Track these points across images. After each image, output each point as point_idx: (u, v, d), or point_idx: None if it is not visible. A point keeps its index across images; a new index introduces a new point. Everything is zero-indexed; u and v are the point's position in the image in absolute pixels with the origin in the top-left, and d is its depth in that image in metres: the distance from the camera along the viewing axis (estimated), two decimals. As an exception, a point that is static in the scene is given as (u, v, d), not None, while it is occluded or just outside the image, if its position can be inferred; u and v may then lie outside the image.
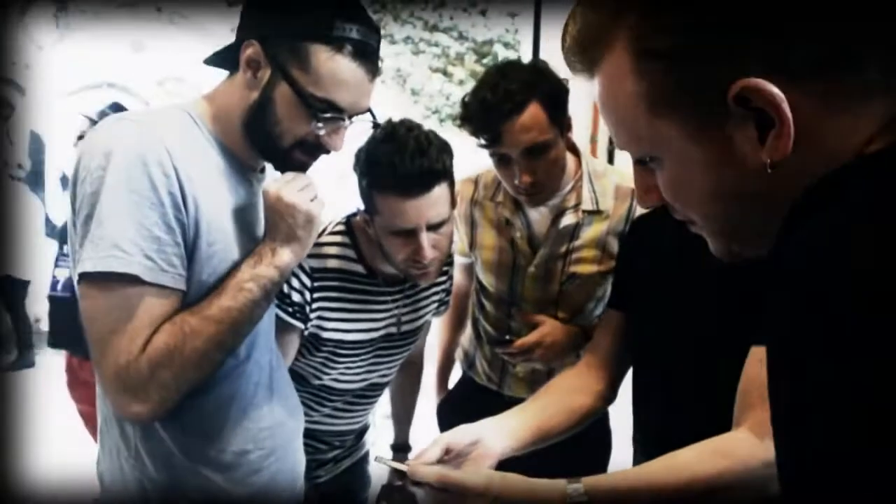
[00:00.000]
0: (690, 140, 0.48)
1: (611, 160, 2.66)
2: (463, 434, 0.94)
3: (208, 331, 0.88)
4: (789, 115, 0.43)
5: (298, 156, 0.97)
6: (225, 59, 0.98)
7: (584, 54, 0.53)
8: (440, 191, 1.16)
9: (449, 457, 0.92)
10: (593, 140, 2.78)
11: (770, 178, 0.46)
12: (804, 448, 0.38)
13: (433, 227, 1.18)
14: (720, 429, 0.86)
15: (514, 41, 4.69)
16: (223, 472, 1.00)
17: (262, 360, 1.06)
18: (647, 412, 1.09)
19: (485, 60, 5.01)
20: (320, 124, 0.93)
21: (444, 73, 5.36)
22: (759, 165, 0.46)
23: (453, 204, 1.22)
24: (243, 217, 0.99)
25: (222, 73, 1.01)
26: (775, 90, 0.43)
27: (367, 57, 0.93)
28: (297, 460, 1.15)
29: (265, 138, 0.95)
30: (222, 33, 4.47)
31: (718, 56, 0.45)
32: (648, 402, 1.08)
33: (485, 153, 1.34)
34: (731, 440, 0.84)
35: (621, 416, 1.17)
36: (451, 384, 1.78)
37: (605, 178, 1.42)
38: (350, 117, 0.96)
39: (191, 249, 0.90)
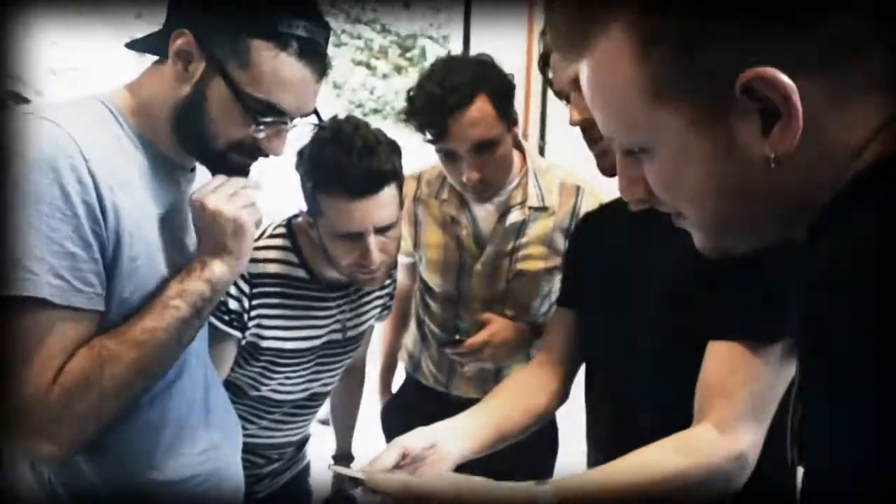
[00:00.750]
0: (690, 130, 0.46)
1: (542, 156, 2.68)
2: (419, 437, 0.91)
3: (129, 355, 0.79)
4: (799, 107, 0.41)
5: (235, 158, 0.88)
6: (151, 44, 0.88)
7: (574, 35, 0.50)
8: (389, 192, 1.12)
9: (405, 462, 0.88)
10: (524, 135, 2.79)
11: (770, 173, 0.44)
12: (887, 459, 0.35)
13: (381, 231, 1.13)
14: (676, 426, 0.86)
15: (439, 35, 4.67)
16: None
17: (197, 376, 0.97)
18: (601, 411, 1.09)
19: (409, 54, 4.98)
20: (260, 127, 0.85)
21: (368, 66, 5.27)
22: (761, 159, 0.44)
23: (401, 205, 1.18)
24: (171, 225, 0.89)
25: (137, 63, 0.91)
26: (787, 80, 0.41)
27: (315, 56, 0.85)
28: (236, 482, 1.07)
29: (196, 138, 0.86)
30: (133, 22, 4.19)
31: (729, 43, 0.42)
32: (602, 401, 1.08)
33: (425, 149, 1.30)
34: (694, 436, 0.84)
35: (566, 413, 1.16)
36: (395, 387, 1.74)
37: (550, 174, 1.41)
38: (293, 120, 0.88)
39: (110, 265, 0.80)
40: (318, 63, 0.86)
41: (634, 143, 0.51)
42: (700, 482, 0.82)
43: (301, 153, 1.14)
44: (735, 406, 0.83)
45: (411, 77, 4.82)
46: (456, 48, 2.66)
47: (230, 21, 0.82)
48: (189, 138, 0.87)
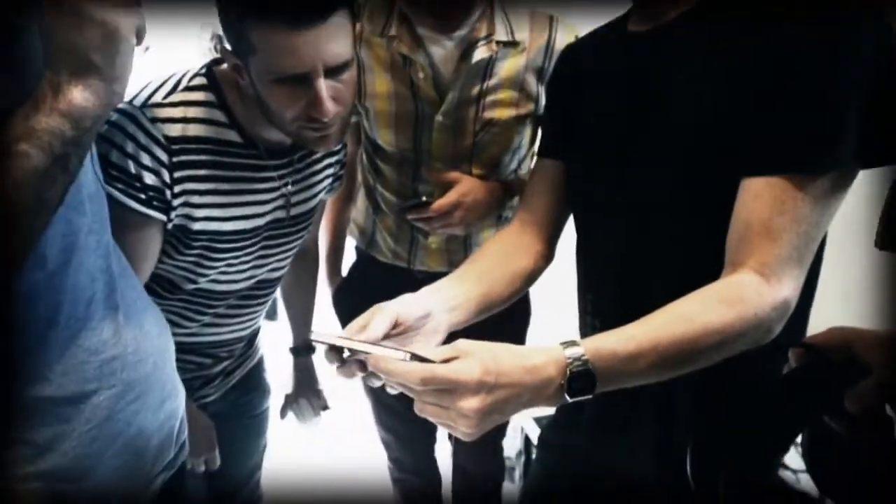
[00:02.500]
0: None
1: None
2: (413, 305, 0.78)
3: None
4: None
5: None
6: None
7: None
8: (340, 20, 0.88)
9: (396, 331, 0.76)
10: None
11: None
12: None
13: (332, 72, 0.89)
14: (688, 281, 0.75)
15: None
16: (51, 426, 0.71)
17: (92, 266, 0.74)
18: (596, 271, 0.96)
19: None
20: None
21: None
22: None
23: (357, 38, 0.93)
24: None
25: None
26: None
27: None
28: (167, 391, 0.87)
29: None
30: None
31: None
32: (598, 263, 0.94)
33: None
34: (737, 285, 0.74)
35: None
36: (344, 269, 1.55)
37: (517, 2, 1.18)
38: None
39: None
40: None
41: None
42: (746, 333, 0.72)
43: None
44: (781, 249, 0.73)
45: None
46: None
47: None
48: None
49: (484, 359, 0.63)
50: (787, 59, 0.72)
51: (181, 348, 0.98)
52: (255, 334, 1.28)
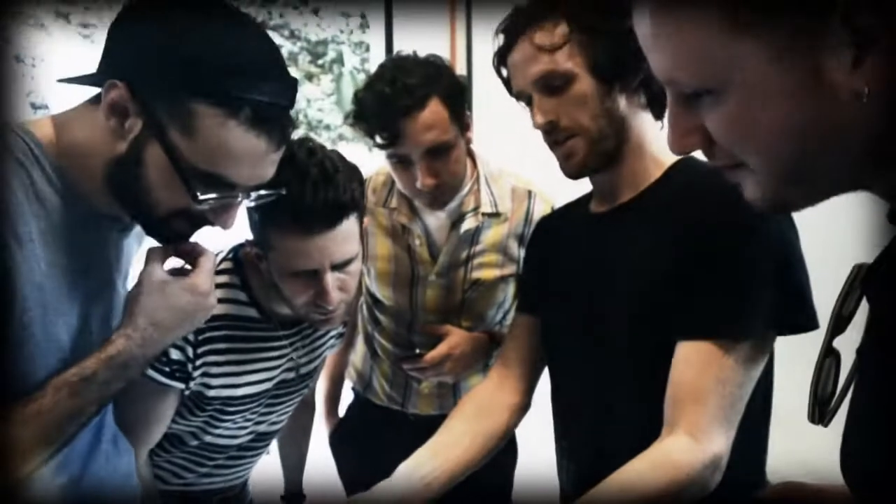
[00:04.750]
0: (773, 63, 0.42)
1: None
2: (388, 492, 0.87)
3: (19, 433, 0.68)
4: None
5: (177, 225, 0.77)
6: (91, 80, 0.74)
7: None
8: (348, 225, 0.98)
9: None
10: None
11: (857, 111, 0.41)
12: None
13: (339, 267, 1.00)
14: (652, 428, 0.85)
15: (351, 42, 4.57)
16: None
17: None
18: (571, 418, 1.06)
19: (320, 61, 4.84)
20: (204, 200, 0.73)
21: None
22: (849, 95, 0.40)
23: (362, 236, 1.06)
24: (87, 288, 0.77)
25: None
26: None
27: (273, 123, 0.73)
28: None
29: (133, 202, 0.75)
30: None
31: None
32: (571, 408, 1.05)
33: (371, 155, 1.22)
34: (671, 448, 0.83)
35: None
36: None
37: (501, 179, 1.38)
38: (245, 191, 0.77)
39: None
40: (277, 131, 0.74)
41: (704, 85, 0.46)
42: (681, 494, 0.81)
43: None
44: (707, 411, 0.82)
45: (323, 85, 4.70)
46: (373, 55, 2.60)
47: (170, 79, 0.69)
48: (125, 200, 0.75)
49: None
50: (708, 243, 0.85)
51: (176, 497, 1.04)
52: (247, 481, 1.33)
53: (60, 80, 0.76)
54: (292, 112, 0.79)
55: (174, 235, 0.79)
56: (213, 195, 0.74)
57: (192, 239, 0.83)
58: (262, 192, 0.81)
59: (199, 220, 0.79)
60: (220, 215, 0.78)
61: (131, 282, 0.83)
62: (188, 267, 0.84)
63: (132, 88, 0.70)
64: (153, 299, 0.77)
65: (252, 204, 0.81)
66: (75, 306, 0.75)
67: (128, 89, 0.70)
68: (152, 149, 0.71)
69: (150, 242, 0.84)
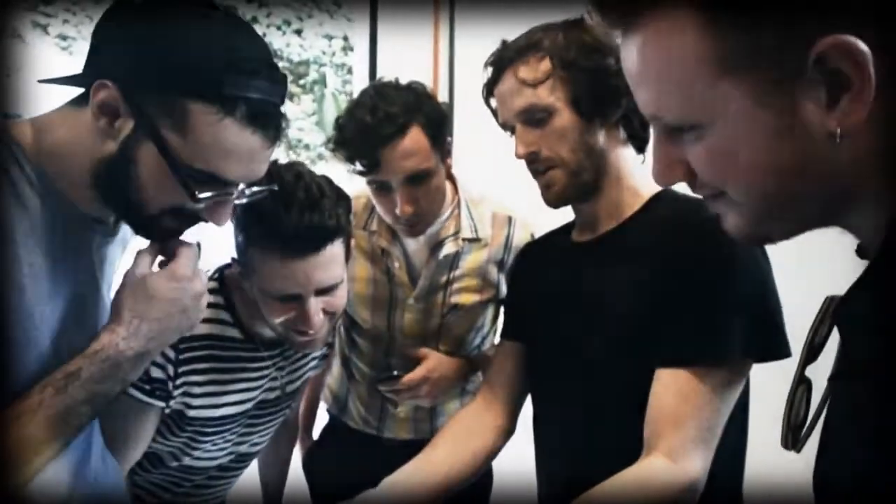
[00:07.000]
0: (755, 105, 0.44)
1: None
2: None
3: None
4: (873, 77, 0.40)
5: (168, 223, 0.77)
6: (75, 82, 0.74)
7: (625, 5, 0.47)
8: (333, 250, 0.98)
9: None
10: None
11: (832, 150, 0.42)
12: None
13: (323, 291, 1.00)
14: (632, 454, 0.86)
15: (332, 62, 4.59)
16: None
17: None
18: (552, 444, 1.07)
19: (301, 81, 4.86)
20: (199, 198, 0.73)
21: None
22: (823, 135, 0.42)
23: (348, 259, 1.06)
24: (70, 292, 0.77)
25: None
26: (865, 48, 0.40)
27: (267, 119, 0.74)
28: None
29: (124, 202, 0.75)
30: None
31: (806, 8, 0.41)
32: (553, 434, 1.06)
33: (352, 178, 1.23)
34: (649, 470, 0.85)
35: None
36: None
37: (482, 205, 1.39)
38: (238, 188, 0.78)
39: None
40: (272, 128, 0.75)
41: (687, 120, 0.48)
42: None
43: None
44: (685, 435, 0.84)
45: (304, 105, 4.71)
46: (356, 78, 2.61)
47: (162, 78, 0.69)
48: (114, 201, 0.75)
49: None
50: (686, 273, 0.88)
51: None
52: (225, 499, 1.32)
53: (42, 81, 0.76)
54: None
55: (163, 233, 0.79)
56: (210, 193, 0.74)
57: (182, 237, 0.83)
58: (256, 188, 0.81)
59: (190, 218, 0.79)
60: (214, 212, 0.79)
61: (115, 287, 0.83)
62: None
63: (122, 88, 0.70)
64: (135, 292, 0.76)
65: (246, 200, 0.82)
66: (57, 309, 0.74)
67: (118, 89, 0.70)
68: (145, 148, 0.71)
69: (135, 249, 0.84)
